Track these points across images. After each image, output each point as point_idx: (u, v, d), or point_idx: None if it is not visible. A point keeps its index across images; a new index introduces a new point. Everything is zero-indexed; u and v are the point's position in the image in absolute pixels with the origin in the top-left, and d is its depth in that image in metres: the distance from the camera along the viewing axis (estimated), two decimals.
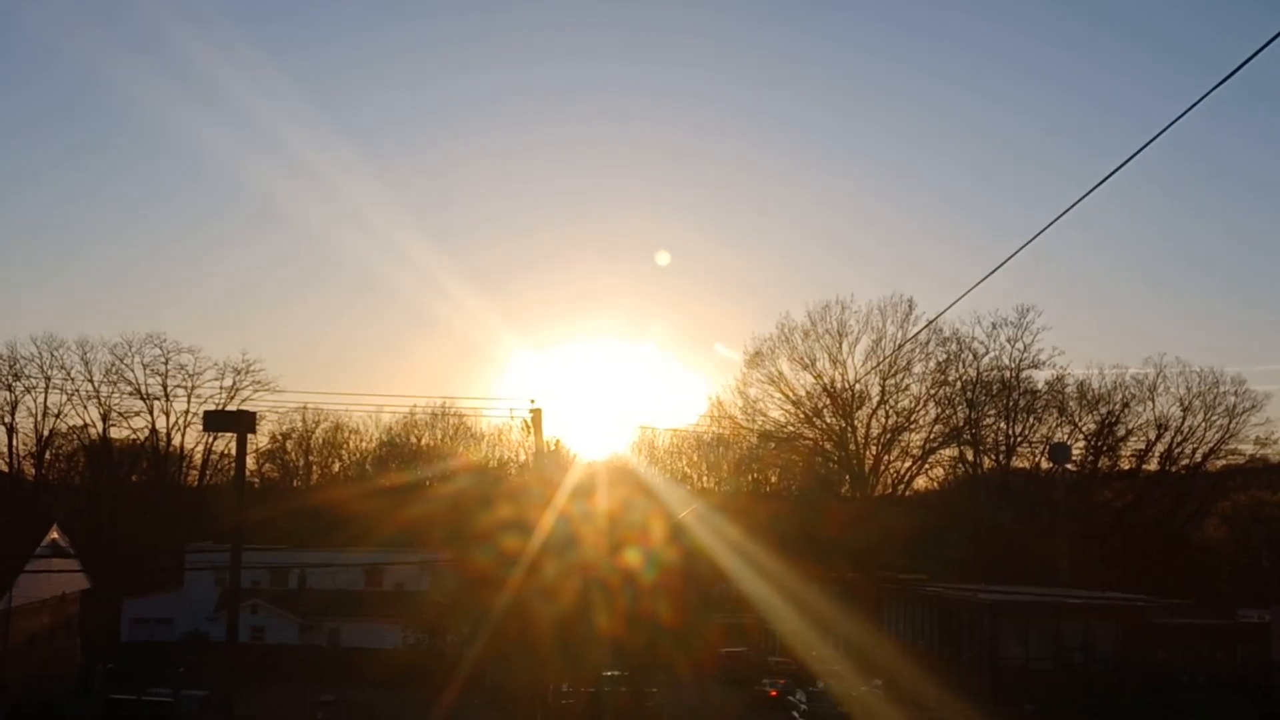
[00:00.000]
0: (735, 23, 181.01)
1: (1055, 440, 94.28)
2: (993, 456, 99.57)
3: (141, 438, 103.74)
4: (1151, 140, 12.95)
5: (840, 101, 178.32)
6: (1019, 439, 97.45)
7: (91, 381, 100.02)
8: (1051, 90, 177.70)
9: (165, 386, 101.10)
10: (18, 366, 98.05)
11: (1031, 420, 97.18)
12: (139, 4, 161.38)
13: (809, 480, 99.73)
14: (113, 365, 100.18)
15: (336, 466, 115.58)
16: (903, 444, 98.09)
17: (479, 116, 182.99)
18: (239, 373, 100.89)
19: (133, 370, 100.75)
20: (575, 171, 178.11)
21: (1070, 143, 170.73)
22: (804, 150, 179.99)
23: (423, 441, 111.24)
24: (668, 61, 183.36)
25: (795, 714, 55.52)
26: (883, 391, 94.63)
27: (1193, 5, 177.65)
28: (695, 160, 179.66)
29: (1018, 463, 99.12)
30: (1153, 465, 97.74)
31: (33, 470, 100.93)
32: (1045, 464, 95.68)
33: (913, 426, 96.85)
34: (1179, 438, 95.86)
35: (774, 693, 62.64)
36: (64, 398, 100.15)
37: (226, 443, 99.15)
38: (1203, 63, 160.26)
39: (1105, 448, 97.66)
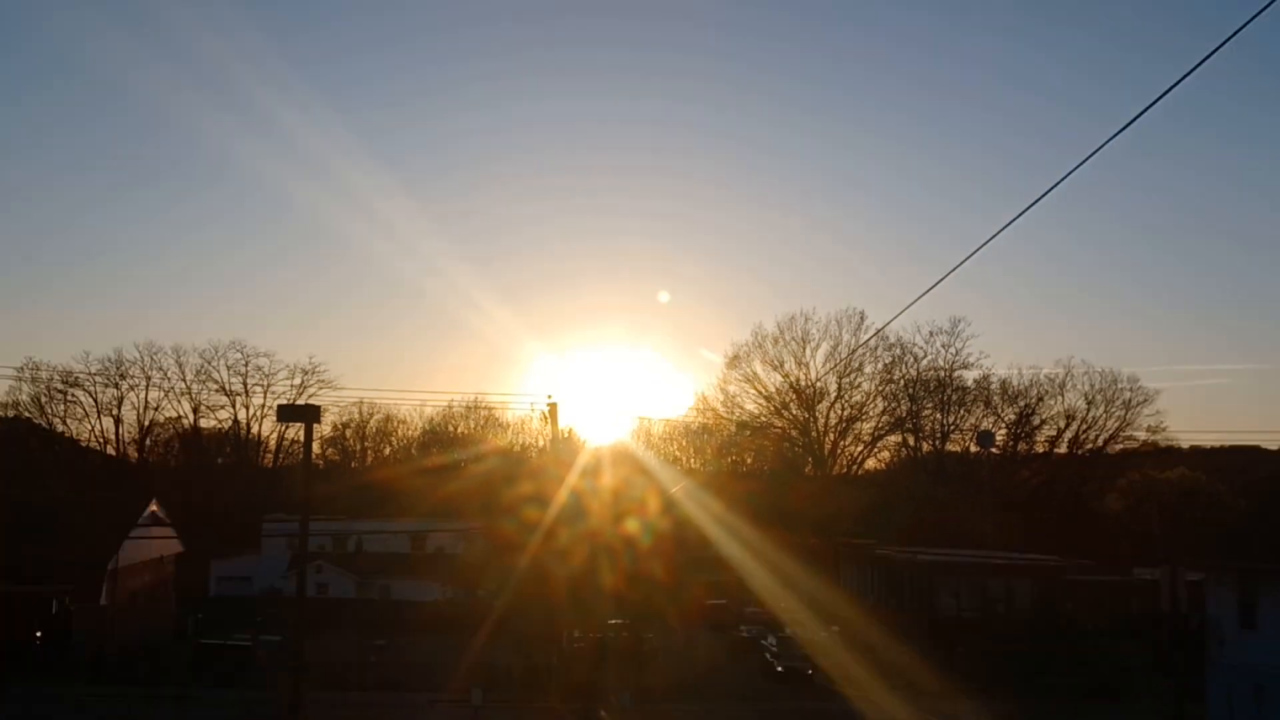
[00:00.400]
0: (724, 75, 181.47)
1: (982, 428, 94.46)
2: (930, 442, 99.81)
3: (226, 427, 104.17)
4: (1059, 182, 13.11)
5: (798, 144, 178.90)
6: (952, 427, 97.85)
7: (184, 381, 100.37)
8: (978, 125, 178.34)
9: (245, 385, 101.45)
10: (123, 368, 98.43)
11: (962, 412, 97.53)
12: (225, 63, 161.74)
13: (778, 462, 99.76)
14: (202, 367, 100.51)
15: (387, 450, 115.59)
16: (855, 432, 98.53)
17: (509, 162, 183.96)
18: (306, 373, 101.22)
19: (219, 371, 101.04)
20: (588, 207, 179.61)
21: (998, 173, 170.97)
22: (774, 184, 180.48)
23: (458, 430, 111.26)
24: (661, 117, 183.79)
25: (767, 655, 55.57)
26: (839, 388, 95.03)
27: (1116, 31, 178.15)
28: (685, 194, 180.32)
29: (951, 447, 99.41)
30: (1063, 449, 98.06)
31: (136, 454, 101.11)
32: (974, 448, 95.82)
33: (864, 417, 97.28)
34: (1084, 426, 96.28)
35: (750, 637, 62.68)
36: (162, 394, 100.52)
37: (296, 431, 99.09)
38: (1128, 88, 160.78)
39: (1023, 435, 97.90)
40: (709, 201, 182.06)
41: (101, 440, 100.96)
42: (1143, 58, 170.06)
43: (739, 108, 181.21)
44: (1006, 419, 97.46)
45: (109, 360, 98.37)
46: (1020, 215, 14.20)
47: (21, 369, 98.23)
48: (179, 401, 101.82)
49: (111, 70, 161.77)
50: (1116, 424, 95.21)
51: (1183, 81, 10.16)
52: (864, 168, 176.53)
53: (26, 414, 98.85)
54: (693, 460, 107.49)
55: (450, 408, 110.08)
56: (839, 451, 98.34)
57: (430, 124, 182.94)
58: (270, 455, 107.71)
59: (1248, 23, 9.43)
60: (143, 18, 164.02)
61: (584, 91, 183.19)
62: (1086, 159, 12.08)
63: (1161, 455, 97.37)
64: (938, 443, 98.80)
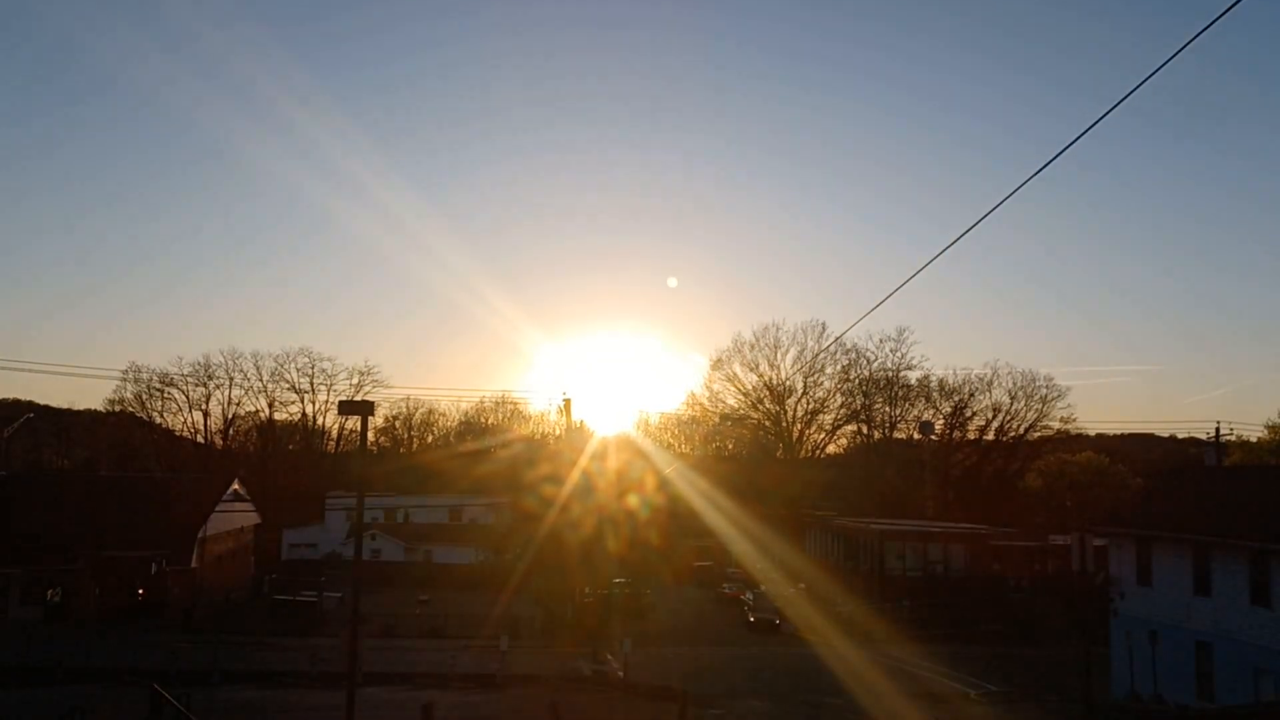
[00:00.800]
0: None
1: (923, 419, 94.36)
2: (880, 431, 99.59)
3: (295, 419, 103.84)
4: (983, 218, 13.13)
5: (770, 183, 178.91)
6: (898, 418, 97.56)
7: (261, 381, 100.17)
8: (919, 163, 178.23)
9: (312, 384, 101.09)
10: (210, 370, 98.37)
11: (906, 405, 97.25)
12: (295, 119, 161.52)
13: (754, 448, 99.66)
14: (275, 369, 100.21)
15: (429, 438, 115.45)
16: (818, 422, 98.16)
17: (534, 196, 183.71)
18: (363, 374, 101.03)
19: (289, 373, 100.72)
20: (599, 229, 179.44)
21: (935, 206, 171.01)
22: (752, 216, 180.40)
23: (489, 421, 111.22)
24: (661, 155, 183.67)
25: (745, 608, 55.58)
26: (804, 386, 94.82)
27: (1040, 70, 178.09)
28: (680, 224, 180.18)
29: (897, 435, 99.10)
30: (990, 436, 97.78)
31: (220, 442, 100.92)
32: (916, 436, 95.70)
33: (825, 410, 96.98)
34: (1008, 417, 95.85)
35: (730, 593, 62.69)
36: (242, 392, 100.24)
37: (354, 422, 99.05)
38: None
39: (957, 425, 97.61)
40: (700, 229, 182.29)
41: (192, 430, 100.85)
42: (1048, 108, 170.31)
43: (730, 151, 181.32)
44: (944, 411, 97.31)
45: (199, 364, 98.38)
46: (952, 244, 14.25)
47: (126, 371, 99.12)
48: (257, 398, 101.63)
49: (213, 131, 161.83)
50: (1035, 415, 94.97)
51: (1096, 124, 10.19)
52: (824, 200, 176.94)
53: (130, 409, 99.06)
54: (683, 446, 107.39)
55: (482, 402, 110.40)
56: (804, 438, 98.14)
57: (471, 170, 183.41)
58: (332, 443, 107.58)
59: (1161, 66, 9.47)
60: (234, 76, 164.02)
61: (601, 138, 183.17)
62: (1007, 198, 12.14)
63: (1072, 442, 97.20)
64: (886, 431, 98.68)
